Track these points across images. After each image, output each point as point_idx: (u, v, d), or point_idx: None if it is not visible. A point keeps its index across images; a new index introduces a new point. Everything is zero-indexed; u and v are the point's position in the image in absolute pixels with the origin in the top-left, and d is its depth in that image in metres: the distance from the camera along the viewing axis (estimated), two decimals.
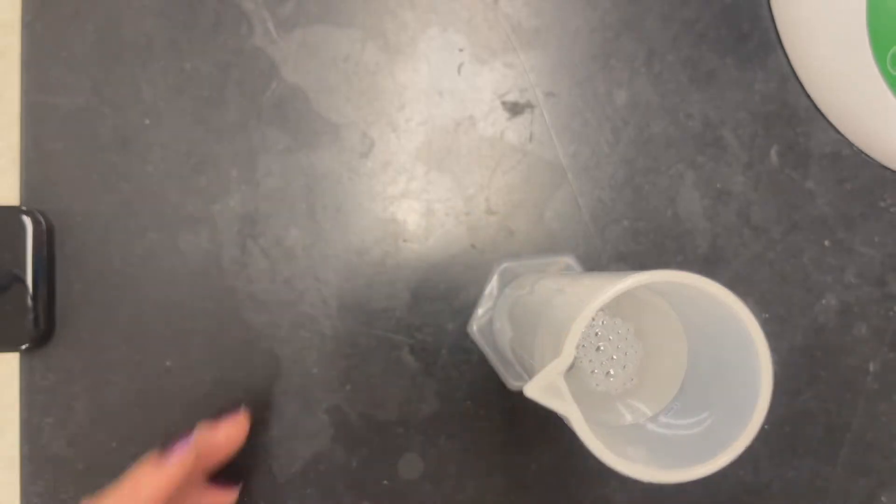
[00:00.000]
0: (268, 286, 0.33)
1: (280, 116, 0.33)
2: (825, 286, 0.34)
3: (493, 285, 0.33)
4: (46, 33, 0.33)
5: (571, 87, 0.34)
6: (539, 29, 0.34)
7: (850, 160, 0.34)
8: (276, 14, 0.33)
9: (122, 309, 0.33)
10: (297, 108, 0.33)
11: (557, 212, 0.34)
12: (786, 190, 0.34)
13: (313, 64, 0.33)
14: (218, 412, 0.30)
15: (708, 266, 0.34)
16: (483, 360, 0.33)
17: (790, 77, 0.34)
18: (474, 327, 0.33)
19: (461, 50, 0.34)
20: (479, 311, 0.33)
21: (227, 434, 0.30)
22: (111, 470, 0.33)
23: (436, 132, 0.34)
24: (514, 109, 0.34)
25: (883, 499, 0.35)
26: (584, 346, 0.27)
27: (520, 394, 0.33)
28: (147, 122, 0.33)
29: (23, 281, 0.31)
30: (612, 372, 0.26)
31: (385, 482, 0.33)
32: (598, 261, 0.34)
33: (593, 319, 0.27)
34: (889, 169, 0.34)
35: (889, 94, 0.31)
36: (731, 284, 0.21)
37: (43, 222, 0.32)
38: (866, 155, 0.34)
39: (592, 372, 0.26)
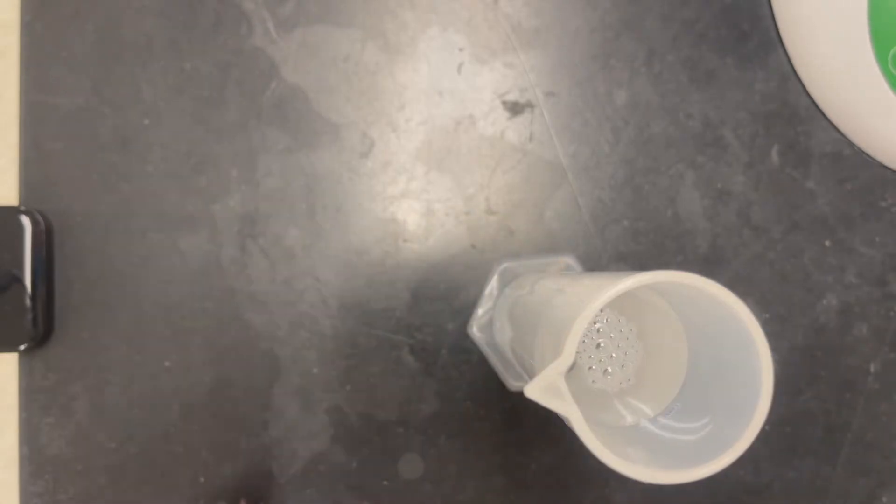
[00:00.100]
0: (267, 286, 0.33)
1: (280, 116, 0.33)
2: (826, 286, 0.34)
3: (493, 285, 0.33)
4: (46, 33, 0.33)
5: (571, 87, 0.34)
6: (539, 29, 0.34)
7: (850, 160, 0.34)
8: (276, 14, 0.33)
9: (121, 309, 0.33)
10: (297, 108, 0.33)
11: (557, 212, 0.34)
12: (786, 190, 0.34)
13: (313, 64, 0.33)
14: None
15: (708, 266, 0.34)
16: (483, 360, 0.33)
17: (791, 76, 0.34)
18: (474, 327, 0.33)
19: (461, 50, 0.34)
20: (479, 311, 0.33)
21: None
22: (111, 470, 0.33)
23: (436, 132, 0.34)
24: (514, 109, 0.34)
25: (883, 499, 0.35)
26: (584, 341, 0.26)
27: (520, 394, 0.33)
28: (147, 122, 0.33)
29: (22, 281, 0.31)
30: (609, 370, 0.26)
31: (385, 482, 0.33)
32: (598, 261, 0.34)
33: (596, 316, 0.26)
34: (890, 169, 0.34)
35: (890, 93, 0.31)
36: (732, 284, 0.21)
37: (42, 222, 0.32)
38: (867, 155, 0.34)
39: (590, 368, 0.26)
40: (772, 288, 0.34)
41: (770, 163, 0.34)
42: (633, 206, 0.34)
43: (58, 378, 0.33)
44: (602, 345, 0.26)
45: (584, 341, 0.26)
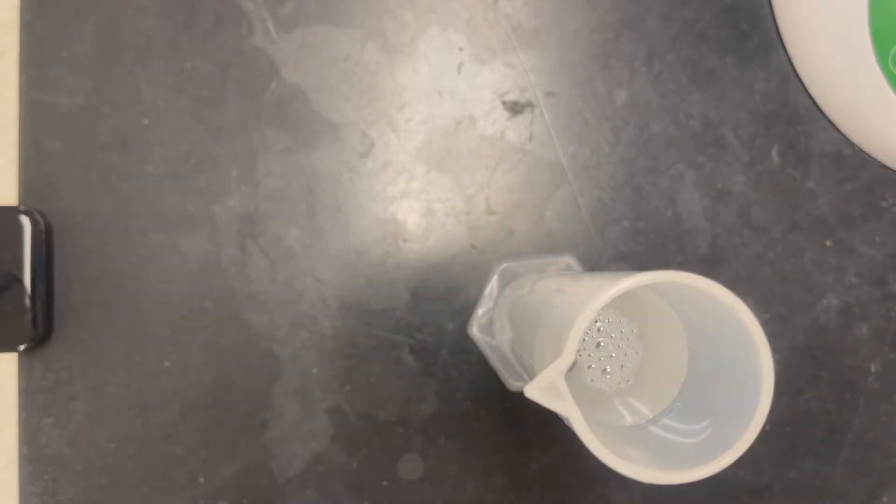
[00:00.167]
0: (267, 286, 0.33)
1: (280, 116, 0.33)
2: (826, 286, 0.34)
3: (493, 285, 0.33)
4: (46, 33, 0.33)
5: (571, 87, 0.34)
6: (539, 29, 0.34)
7: (851, 160, 0.34)
8: (276, 14, 0.33)
9: (121, 309, 0.33)
10: (297, 108, 0.33)
11: (557, 212, 0.34)
12: (786, 190, 0.34)
13: (313, 64, 0.33)
14: None
15: (708, 266, 0.34)
16: (483, 360, 0.33)
17: (791, 76, 0.34)
18: (474, 327, 0.33)
19: (461, 50, 0.34)
20: (479, 311, 0.33)
21: None
22: (110, 470, 0.33)
23: (436, 132, 0.34)
24: (514, 109, 0.34)
25: (883, 499, 0.35)
26: (584, 340, 0.26)
27: (520, 394, 0.33)
28: (147, 122, 0.33)
29: (21, 281, 0.31)
30: (608, 369, 0.26)
31: (385, 482, 0.33)
32: (598, 261, 0.34)
33: (598, 315, 0.26)
34: (890, 168, 0.34)
35: (891, 93, 0.31)
36: (732, 284, 0.20)
37: (41, 222, 0.32)
38: (867, 154, 0.34)
39: (589, 367, 0.26)
40: (772, 288, 0.34)
41: (770, 163, 0.34)
42: (633, 206, 0.34)
43: (57, 378, 0.32)
44: (602, 344, 0.26)
45: (584, 340, 0.26)
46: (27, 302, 0.31)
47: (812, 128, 0.34)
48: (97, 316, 0.33)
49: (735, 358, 0.21)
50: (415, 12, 0.34)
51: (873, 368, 0.34)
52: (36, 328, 0.31)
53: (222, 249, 0.33)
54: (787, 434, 0.34)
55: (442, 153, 0.34)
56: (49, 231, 0.32)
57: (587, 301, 0.20)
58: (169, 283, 0.33)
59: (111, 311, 0.33)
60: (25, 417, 0.32)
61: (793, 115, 0.34)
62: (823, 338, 0.34)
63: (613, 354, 0.26)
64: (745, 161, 0.34)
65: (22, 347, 0.31)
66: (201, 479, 0.33)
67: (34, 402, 0.32)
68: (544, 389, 0.20)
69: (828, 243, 0.34)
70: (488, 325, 0.33)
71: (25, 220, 0.31)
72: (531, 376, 0.23)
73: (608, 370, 0.26)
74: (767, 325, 0.34)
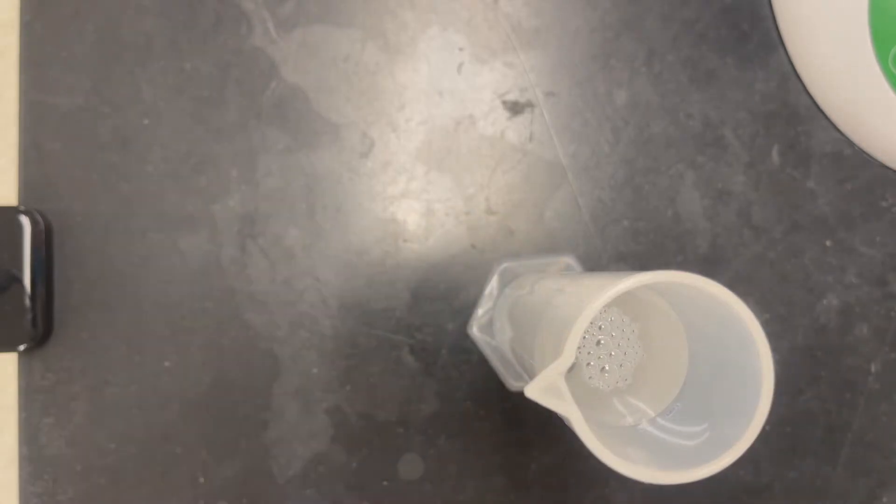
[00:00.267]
0: (267, 286, 0.33)
1: (280, 116, 0.33)
2: (826, 286, 0.34)
3: (493, 285, 0.33)
4: (45, 33, 0.33)
5: (571, 87, 0.34)
6: (539, 29, 0.34)
7: (851, 160, 0.34)
8: (276, 14, 0.33)
9: (121, 309, 0.33)
10: (297, 108, 0.33)
11: (557, 212, 0.34)
12: (786, 190, 0.34)
13: (313, 64, 0.33)
14: None
15: (708, 266, 0.34)
16: (483, 360, 0.33)
17: (791, 76, 0.34)
18: (474, 327, 0.33)
19: (461, 50, 0.34)
20: (479, 311, 0.33)
21: None
22: (110, 470, 0.33)
23: (436, 132, 0.34)
24: (514, 109, 0.34)
25: (883, 499, 0.35)
26: (585, 337, 0.26)
27: (520, 394, 0.33)
28: (147, 122, 0.33)
29: (21, 281, 0.31)
30: (607, 367, 0.26)
31: (385, 482, 0.33)
32: (598, 261, 0.34)
33: (599, 313, 0.26)
34: (890, 168, 0.34)
35: (891, 93, 0.31)
36: (732, 284, 0.20)
37: (41, 222, 0.32)
38: (868, 154, 0.34)
39: (588, 364, 0.26)
40: (772, 288, 0.34)
41: (770, 163, 0.34)
42: (633, 206, 0.34)
43: (57, 378, 0.32)
44: (602, 342, 0.26)
45: (585, 337, 0.26)
46: (27, 302, 0.31)
47: (812, 128, 0.34)
48: (97, 316, 0.33)
49: (735, 358, 0.21)
50: (415, 12, 0.34)
51: (873, 368, 0.34)
52: (36, 328, 0.31)
53: (222, 249, 0.33)
54: (787, 434, 0.34)
55: (442, 153, 0.34)
56: (49, 231, 0.32)
57: (587, 301, 0.20)
58: (169, 283, 0.33)
59: (111, 311, 0.33)
60: (25, 417, 0.32)
61: (793, 115, 0.34)
62: (823, 338, 0.34)
63: (613, 353, 0.26)
64: (745, 161, 0.34)
65: (22, 347, 0.31)
66: (201, 479, 0.33)
67: (34, 402, 0.32)
68: (544, 389, 0.20)
69: (828, 243, 0.34)
70: (488, 325, 0.33)
71: (25, 220, 0.31)
72: (531, 376, 0.23)
73: (607, 368, 0.26)
74: (767, 325, 0.34)
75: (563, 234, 0.34)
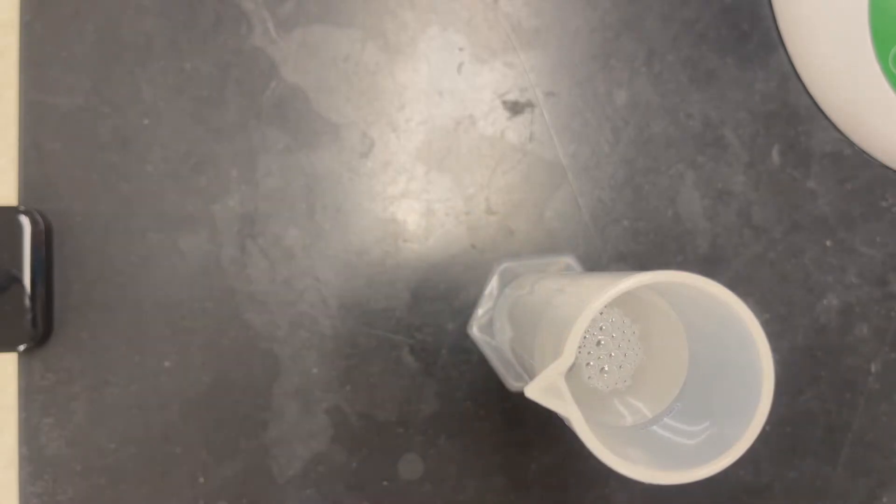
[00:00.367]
0: (267, 286, 0.33)
1: (280, 116, 0.33)
2: (826, 286, 0.34)
3: (493, 285, 0.33)
4: (45, 33, 0.33)
5: (571, 87, 0.34)
6: (539, 29, 0.34)
7: (851, 160, 0.34)
8: (276, 14, 0.33)
9: (121, 309, 0.33)
10: (297, 108, 0.33)
11: (557, 212, 0.34)
12: (787, 190, 0.34)
13: (313, 64, 0.33)
14: None
15: (708, 266, 0.34)
16: (483, 360, 0.33)
17: (791, 76, 0.34)
18: (474, 327, 0.33)
19: (461, 50, 0.34)
20: (479, 311, 0.33)
21: None
22: (110, 470, 0.33)
23: (436, 132, 0.34)
24: (514, 109, 0.34)
25: (883, 499, 0.35)
26: (585, 337, 0.26)
27: (520, 394, 0.33)
28: (147, 122, 0.33)
29: (21, 281, 0.31)
30: (606, 368, 0.26)
31: (385, 482, 0.33)
32: (598, 261, 0.34)
33: (600, 314, 0.26)
34: (891, 168, 0.34)
35: (891, 93, 0.31)
36: (732, 284, 0.20)
37: (41, 222, 0.32)
38: (868, 154, 0.34)
39: (588, 364, 0.26)
40: (772, 288, 0.34)
41: (770, 163, 0.34)
42: (633, 206, 0.34)
43: (57, 378, 0.32)
44: (602, 342, 0.26)
45: (585, 337, 0.26)
46: (27, 302, 0.31)
47: (812, 128, 0.34)
48: (97, 316, 0.33)
49: (735, 358, 0.21)
50: (415, 12, 0.34)
51: (873, 368, 0.34)
52: (36, 328, 0.31)
53: (222, 249, 0.33)
54: (787, 434, 0.34)
55: (442, 153, 0.34)
56: (49, 231, 0.32)
57: (587, 301, 0.20)
58: (169, 283, 0.33)
59: (111, 311, 0.33)
60: (25, 417, 0.32)
61: (793, 115, 0.34)
62: (823, 338, 0.34)
63: (613, 353, 0.26)
64: (745, 161, 0.34)
65: (22, 347, 0.31)
66: (201, 479, 0.33)
67: (34, 402, 0.32)
68: (544, 389, 0.20)
69: (828, 243, 0.34)
70: (488, 325, 0.33)
71: (25, 220, 0.31)
72: (531, 376, 0.23)
73: (606, 369, 0.26)
74: (768, 325, 0.34)
75: (563, 234, 0.34)
